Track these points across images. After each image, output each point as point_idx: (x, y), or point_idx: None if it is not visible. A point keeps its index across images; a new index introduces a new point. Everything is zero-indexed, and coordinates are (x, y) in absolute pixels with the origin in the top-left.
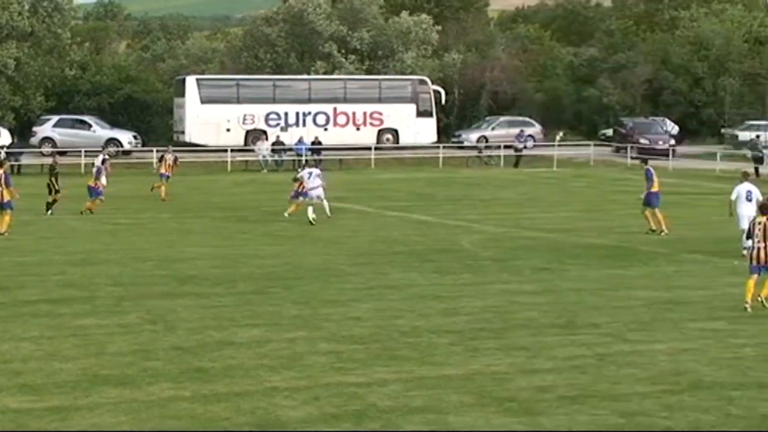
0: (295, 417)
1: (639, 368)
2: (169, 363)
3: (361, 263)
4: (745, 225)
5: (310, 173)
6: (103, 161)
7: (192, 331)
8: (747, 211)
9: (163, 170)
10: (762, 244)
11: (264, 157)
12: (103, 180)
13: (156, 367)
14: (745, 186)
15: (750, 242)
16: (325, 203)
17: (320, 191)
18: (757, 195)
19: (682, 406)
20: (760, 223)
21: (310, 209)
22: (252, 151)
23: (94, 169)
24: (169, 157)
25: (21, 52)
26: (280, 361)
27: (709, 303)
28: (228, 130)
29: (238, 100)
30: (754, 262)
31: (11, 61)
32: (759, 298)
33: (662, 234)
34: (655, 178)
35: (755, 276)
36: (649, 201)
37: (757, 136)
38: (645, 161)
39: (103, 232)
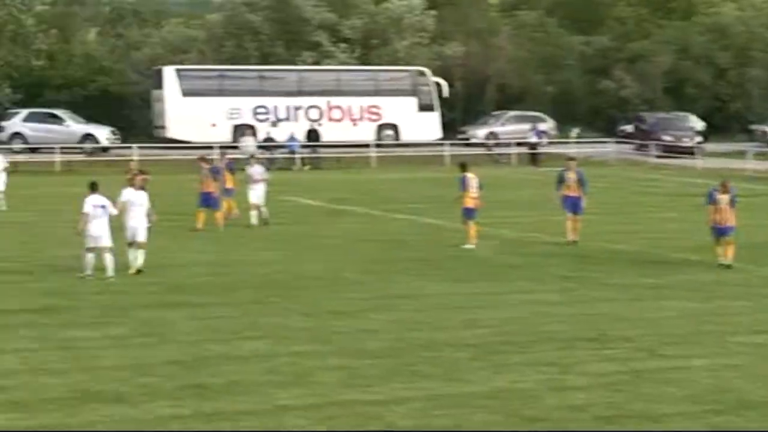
0: None
1: (678, 386)
2: (167, 378)
3: (370, 271)
4: None
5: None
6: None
7: (189, 344)
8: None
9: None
10: None
11: (252, 154)
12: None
13: (152, 383)
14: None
15: None
16: (263, 210)
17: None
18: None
19: (729, 426)
20: None
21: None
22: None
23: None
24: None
25: None
26: (287, 376)
27: (750, 315)
28: (213, 125)
29: (223, 93)
30: None
31: None
32: None
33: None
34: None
35: None
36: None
37: None
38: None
39: None
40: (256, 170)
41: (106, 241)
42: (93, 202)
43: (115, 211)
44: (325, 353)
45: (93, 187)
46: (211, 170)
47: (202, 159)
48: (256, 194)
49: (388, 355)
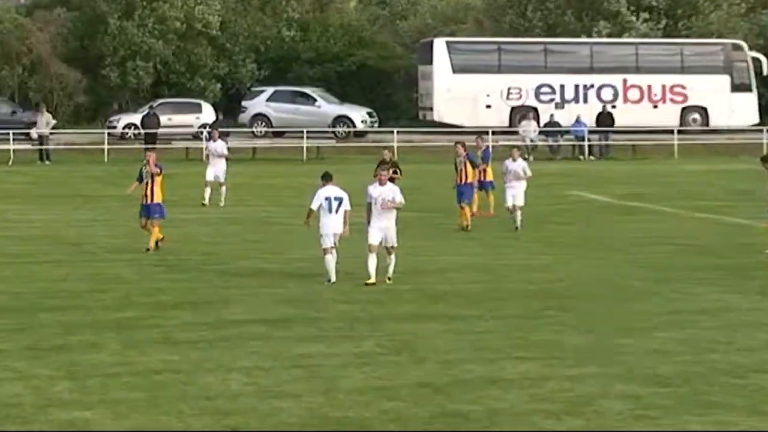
0: None
1: None
2: (416, 404)
3: (661, 279)
4: None
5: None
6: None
7: (446, 363)
8: None
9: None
10: None
11: (531, 140)
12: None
13: (399, 409)
14: None
15: None
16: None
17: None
18: None
19: None
20: None
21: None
22: (517, 133)
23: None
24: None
25: (226, 8)
26: (561, 405)
27: None
28: (488, 106)
29: (500, 69)
30: None
31: (214, 18)
32: None
33: None
34: None
35: None
36: None
37: None
38: None
39: None
40: (519, 164)
41: (337, 239)
42: (326, 195)
43: (348, 208)
44: (607, 378)
45: (326, 178)
46: (468, 157)
47: (461, 145)
48: (512, 193)
49: (682, 382)
